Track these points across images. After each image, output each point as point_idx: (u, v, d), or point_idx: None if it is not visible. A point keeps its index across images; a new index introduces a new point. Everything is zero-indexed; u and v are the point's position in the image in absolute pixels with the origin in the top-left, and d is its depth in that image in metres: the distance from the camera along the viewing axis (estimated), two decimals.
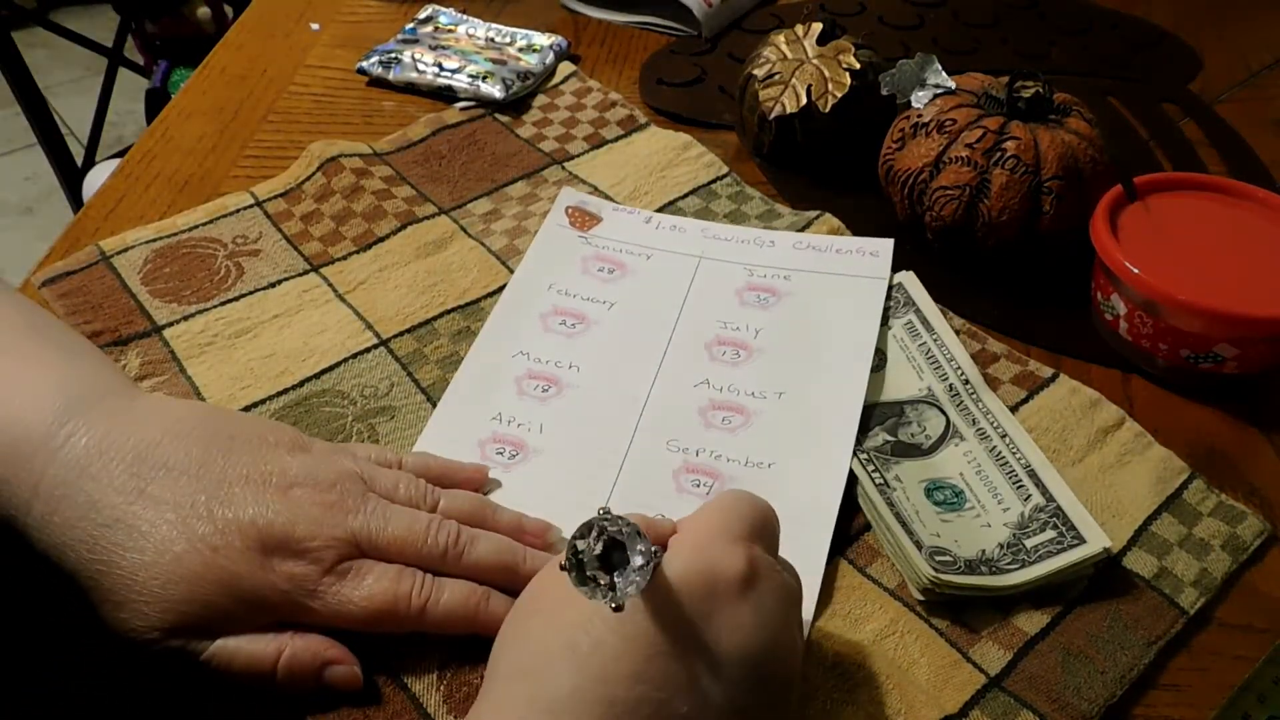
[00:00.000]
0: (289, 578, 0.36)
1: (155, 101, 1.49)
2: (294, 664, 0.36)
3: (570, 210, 0.60)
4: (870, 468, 0.45)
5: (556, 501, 0.44)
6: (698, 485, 0.45)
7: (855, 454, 0.45)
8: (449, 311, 0.54)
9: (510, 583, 0.39)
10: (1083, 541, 0.42)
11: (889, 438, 0.47)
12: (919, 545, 0.41)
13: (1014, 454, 0.46)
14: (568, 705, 0.30)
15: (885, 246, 0.56)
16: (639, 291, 0.55)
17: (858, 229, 0.58)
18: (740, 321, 0.53)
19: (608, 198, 0.62)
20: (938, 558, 0.41)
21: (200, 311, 0.52)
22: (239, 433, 0.39)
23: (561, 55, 0.74)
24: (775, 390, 0.49)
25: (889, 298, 0.54)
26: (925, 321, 0.52)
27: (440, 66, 0.70)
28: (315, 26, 0.80)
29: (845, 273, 0.55)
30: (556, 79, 0.72)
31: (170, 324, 0.52)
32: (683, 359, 0.51)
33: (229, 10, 1.58)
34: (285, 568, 0.36)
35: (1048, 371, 0.51)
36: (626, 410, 0.48)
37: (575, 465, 0.46)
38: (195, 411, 0.40)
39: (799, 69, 0.63)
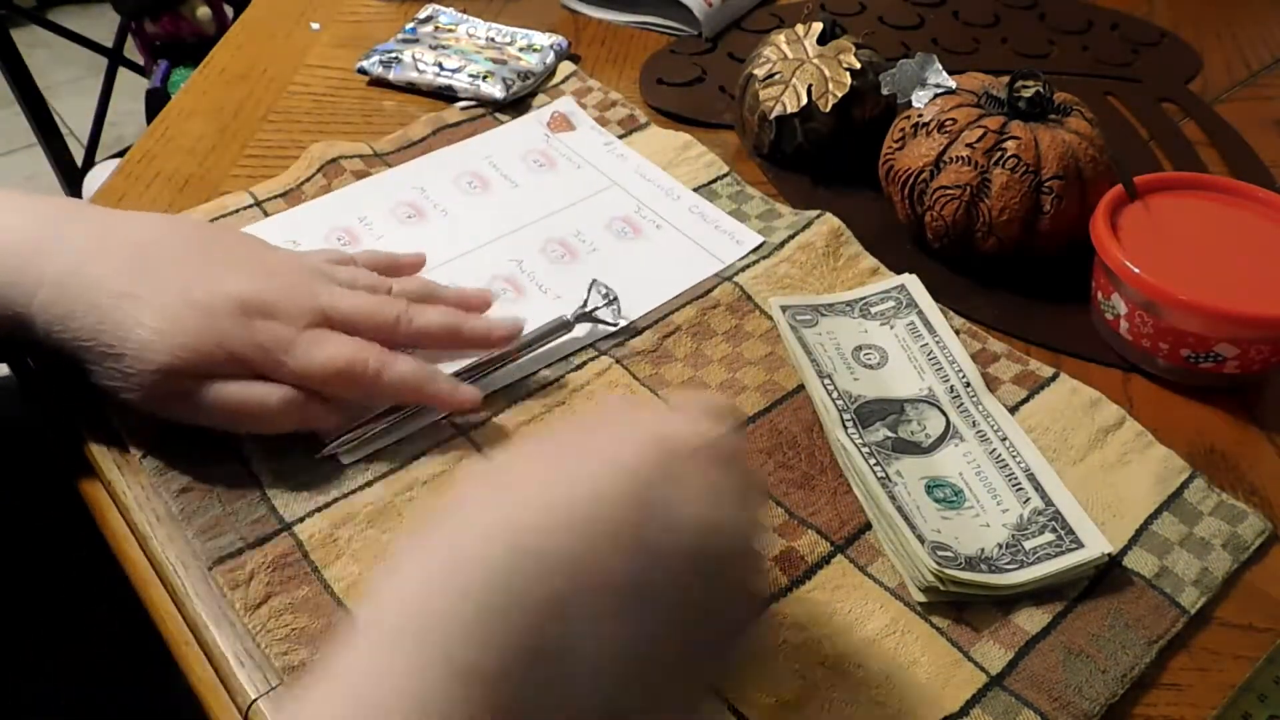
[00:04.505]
0: (269, 335, 0.42)
1: (155, 101, 1.49)
2: (287, 401, 0.42)
3: (555, 116, 0.68)
4: (872, 461, 0.45)
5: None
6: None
7: (858, 447, 0.45)
8: None
9: (455, 344, 0.48)
10: (1081, 546, 0.42)
11: (889, 434, 0.47)
12: (921, 540, 0.41)
13: (1014, 457, 0.46)
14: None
15: (753, 240, 0.58)
16: (544, 185, 0.62)
17: (858, 229, 0.58)
18: (593, 238, 0.58)
19: None
20: (939, 553, 0.41)
21: None
22: (224, 235, 0.49)
23: (561, 55, 0.74)
24: (556, 294, 0.55)
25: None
26: (927, 323, 0.52)
27: (440, 66, 0.70)
28: (315, 26, 0.80)
29: (700, 242, 0.58)
30: (556, 79, 0.72)
31: None
32: (522, 240, 0.58)
33: (229, 10, 1.58)
34: (265, 327, 0.42)
35: (1048, 371, 0.51)
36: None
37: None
38: (183, 220, 0.51)
39: (799, 69, 0.63)
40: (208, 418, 0.42)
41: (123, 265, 0.42)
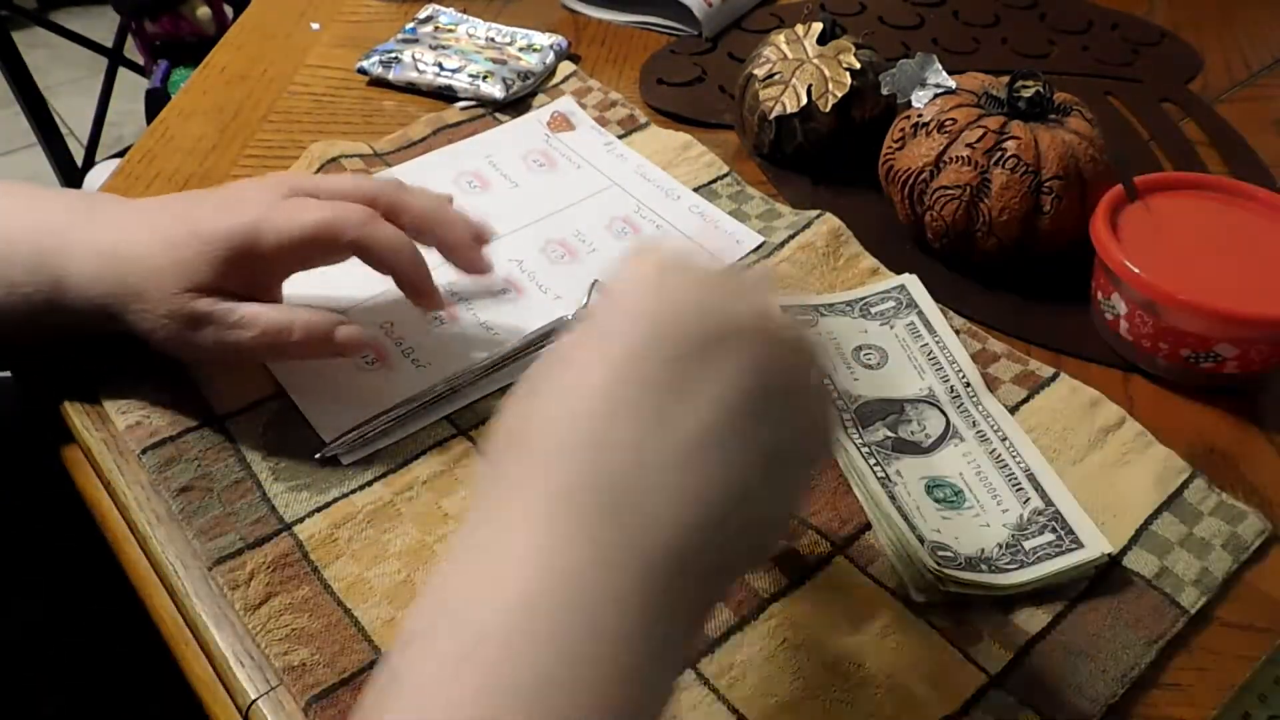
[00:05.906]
0: (250, 208, 0.43)
1: (155, 101, 1.49)
2: (311, 323, 0.43)
3: (555, 116, 0.68)
4: (872, 461, 0.45)
5: None
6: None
7: (858, 447, 0.45)
8: None
9: (430, 234, 0.46)
10: (1081, 546, 0.42)
11: (889, 434, 0.47)
12: (921, 540, 0.41)
13: (1014, 457, 0.46)
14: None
15: (753, 240, 0.58)
16: (544, 185, 0.62)
17: (858, 229, 0.58)
18: (593, 238, 0.59)
19: None
20: (939, 553, 0.41)
21: None
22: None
23: (561, 55, 0.74)
24: (555, 293, 0.55)
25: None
26: (927, 323, 0.52)
27: (440, 66, 0.70)
28: (315, 26, 0.80)
29: (700, 241, 0.59)
30: (556, 78, 0.72)
31: None
32: (522, 240, 0.58)
33: (229, 10, 1.58)
34: (244, 203, 0.43)
35: (1048, 371, 0.51)
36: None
37: None
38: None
39: (799, 69, 0.63)
40: (231, 345, 0.43)
41: (142, 224, 0.45)
